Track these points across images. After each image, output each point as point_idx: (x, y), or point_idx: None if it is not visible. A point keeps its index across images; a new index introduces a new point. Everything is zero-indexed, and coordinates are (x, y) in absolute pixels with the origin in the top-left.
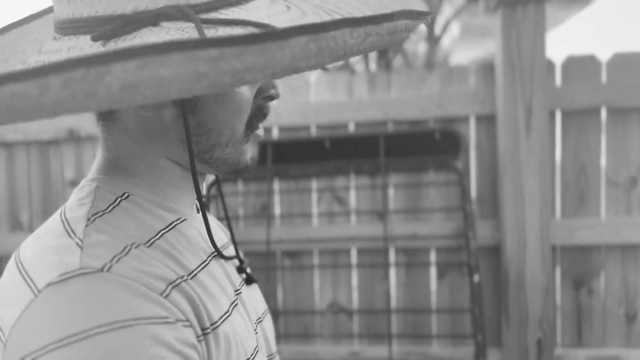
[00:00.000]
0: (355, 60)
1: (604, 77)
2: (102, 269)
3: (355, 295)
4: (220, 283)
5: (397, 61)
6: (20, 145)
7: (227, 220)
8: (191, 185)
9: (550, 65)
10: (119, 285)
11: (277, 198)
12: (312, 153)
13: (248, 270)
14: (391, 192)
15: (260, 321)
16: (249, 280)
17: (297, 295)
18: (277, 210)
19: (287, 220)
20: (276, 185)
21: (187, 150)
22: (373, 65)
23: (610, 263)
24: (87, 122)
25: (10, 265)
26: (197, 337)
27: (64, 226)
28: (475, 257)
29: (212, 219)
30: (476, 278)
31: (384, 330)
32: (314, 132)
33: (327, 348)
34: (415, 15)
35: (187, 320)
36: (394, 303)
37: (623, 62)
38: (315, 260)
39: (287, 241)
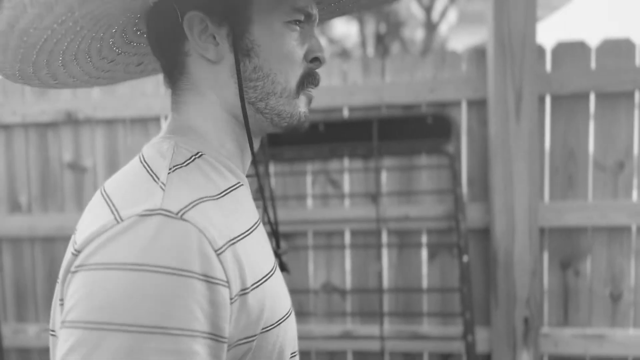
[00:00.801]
0: (353, 47)
1: (593, 63)
2: (177, 213)
3: (348, 276)
4: (264, 247)
5: (395, 47)
6: (19, 128)
7: (262, 194)
8: (248, 148)
9: (540, 51)
10: (188, 232)
11: (272, 180)
12: (307, 137)
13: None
14: (384, 175)
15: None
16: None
17: (292, 275)
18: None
19: (282, 203)
20: (271, 167)
21: (245, 100)
22: (371, 51)
23: (596, 245)
24: (85, 105)
25: (96, 196)
26: (234, 296)
27: (148, 172)
28: (465, 239)
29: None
30: (465, 259)
31: (376, 310)
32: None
33: (321, 327)
34: None
35: (227, 282)
36: (386, 283)
37: (612, 48)
38: (310, 241)
39: (282, 223)
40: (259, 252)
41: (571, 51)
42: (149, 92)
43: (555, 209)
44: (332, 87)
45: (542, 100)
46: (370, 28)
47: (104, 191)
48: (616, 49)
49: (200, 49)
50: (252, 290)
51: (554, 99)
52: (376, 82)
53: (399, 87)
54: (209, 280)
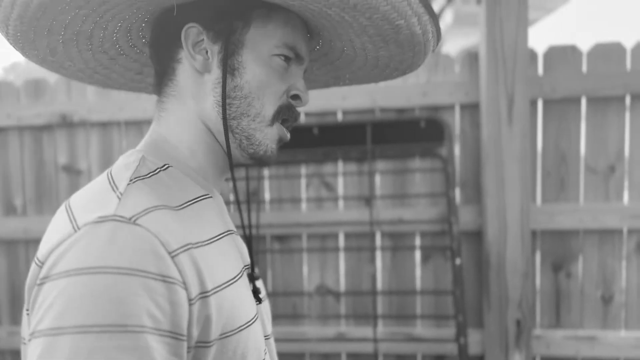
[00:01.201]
0: None
1: (584, 67)
2: (130, 219)
3: (342, 278)
4: (229, 255)
5: None
6: (14, 130)
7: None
8: (220, 162)
9: (532, 55)
10: (140, 236)
11: (266, 183)
12: (301, 140)
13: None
14: (378, 178)
15: (259, 303)
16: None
17: (286, 278)
18: (266, 195)
19: (276, 205)
20: (266, 170)
21: (219, 115)
22: None
23: (588, 247)
24: (80, 107)
25: (61, 209)
26: (192, 297)
27: (110, 182)
28: (458, 242)
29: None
30: (457, 261)
31: (369, 312)
32: (303, 119)
33: (315, 329)
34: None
35: (184, 283)
36: (379, 285)
37: (603, 53)
38: (304, 244)
39: (277, 225)
40: (220, 260)
41: (563, 55)
42: (144, 95)
43: (547, 211)
44: (326, 90)
45: (534, 104)
46: None
47: (68, 204)
48: (607, 53)
49: (191, 57)
50: (212, 294)
51: (546, 102)
52: (370, 86)
53: (392, 90)
54: (165, 279)
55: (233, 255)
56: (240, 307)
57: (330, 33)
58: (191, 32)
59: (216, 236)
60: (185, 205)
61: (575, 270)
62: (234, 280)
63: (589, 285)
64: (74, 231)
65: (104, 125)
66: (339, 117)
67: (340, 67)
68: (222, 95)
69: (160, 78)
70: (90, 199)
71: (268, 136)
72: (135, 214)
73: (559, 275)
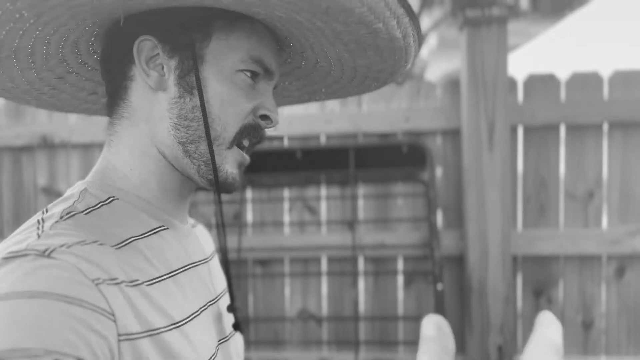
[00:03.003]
0: None
1: (563, 96)
2: (43, 252)
3: (324, 303)
4: (185, 293)
5: None
6: None
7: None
8: (178, 189)
9: (512, 83)
10: (51, 266)
11: (249, 207)
12: (284, 163)
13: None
14: (360, 202)
15: (226, 340)
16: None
17: (268, 303)
18: (249, 218)
19: (258, 229)
20: (248, 193)
21: (175, 139)
22: None
23: (568, 273)
24: (61, 129)
25: None
26: (122, 334)
27: (39, 218)
28: (440, 266)
29: (201, 229)
30: (439, 287)
31: (352, 337)
32: (286, 142)
33: (297, 354)
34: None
35: (113, 314)
36: (362, 310)
37: (581, 82)
38: (286, 268)
39: (259, 249)
40: (168, 300)
41: (542, 83)
42: None
43: (527, 236)
44: (310, 114)
45: (514, 130)
46: None
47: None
48: (585, 82)
49: (144, 73)
50: (149, 336)
51: (526, 129)
52: (353, 111)
53: (375, 116)
54: (81, 304)
55: (190, 292)
56: (189, 352)
57: (301, 43)
58: (144, 45)
59: (166, 274)
60: (127, 242)
61: (555, 295)
62: (185, 321)
63: (570, 310)
64: None
65: (86, 147)
66: (322, 141)
67: (314, 80)
68: (204, 115)
69: (112, 97)
70: (17, 233)
71: (227, 160)
72: (51, 249)
73: (540, 301)
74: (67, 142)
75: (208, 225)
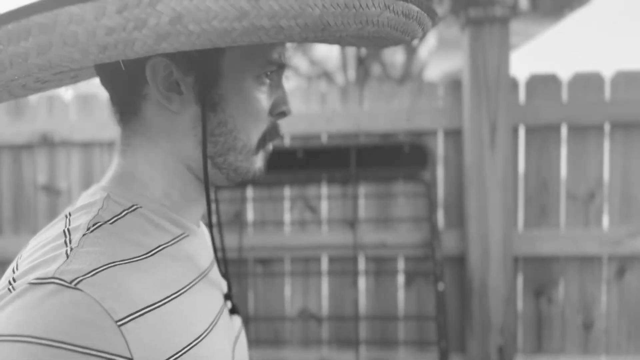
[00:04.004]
0: (334, 69)
1: (565, 96)
2: (70, 282)
3: (325, 302)
4: (204, 304)
5: (376, 70)
6: None
7: (217, 229)
8: (201, 198)
9: (514, 83)
10: (78, 302)
11: (250, 205)
12: (286, 162)
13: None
14: (361, 201)
15: (237, 341)
16: (232, 310)
17: (268, 302)
18: (250, 217)
19: (259, 228)
20: (249, 192)
21: (202, 153)
22: (352, 73)
23: (569, 273)
24: (61, 127)
25: (17, 257)
26: None
27: (65, 229)
28: (440, 266)
29: (204, 231)
30: (440, 287)
31: (352, 337)
32: (287, 142)
33: (297, 354)
34: (425, 7)
35: (131, 359)
36: (362, 310)
37: (583, 82)
38: (287, 267)
39: (260, 248)
40: (188, 316)
41: (544, 84)
42: None
43: (528, 237)
44: (311, 113)
45: (515, 130)
46: (351, 50)
47: (21, 254)
48: (586, 82)
49: (163, 98)
50: (190, 349)
51: (528, 129)
52: (354, 110)
53: (376, 115)
54: (99, 355)
55: (209, 299)
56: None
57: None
58: (158, 66)
59: (189, 284)
60: (154, 252)
61: (556, 296)
62: (206, 333)
63: (570, 311)
64: (8, 292)
65: (86, 145)
66: (324, 140)
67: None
68: (203, 137)
69: (121, 109)
70: (37, 252)
71: (255, 163)
72: (79, 276)
73: (541, 301)
74: (68, 140)
75: (208, 225)
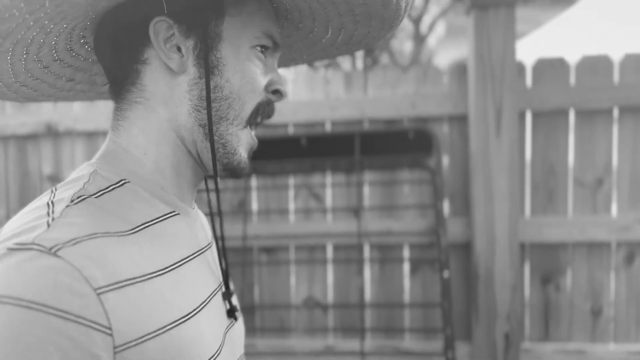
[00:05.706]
0: (342, 59)
1: (572, 80)
2: (50, 249)
3: (330, 290)
4: (195, 282)
5: (384, 59)
6: None
7: (216, 215)
8: (193, 177)
9: (520, 68)
10: (54, 269)
11: (254, 194)
12: (289, 150)
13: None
14: (366, 189)
15: (231, 327)
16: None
17: (273, 290)
18: (254, 206)
19: (264, 217)
20: (253, 181)
21: (196, 121)
22: (360, 62)
23: (576, 260)
24: (66, 117)
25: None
26: (121, 344)
27: (49, 200)
28: (446, 254)
29: (200, 215)
30: (446, 274)
31: (357, 325)
32: (291, 129)
33: (302, 342)
34: None
35: (110, 328)
36: (367, 298)
37: (591, 66)
38: (292, 255)
39: (264, 237)
40: (176, 293)
41: (551, 68)
42: None
43: (535, 224)
44: (315, 101)
45: (522, 116)
46: None
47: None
48: (595, 66)
49: (165, 56)
50: (155, 336)
51: (535, 114)
52: (358, 97)
53: (381, 102)
54: (77, 320)
55: (200, 279)
56: (198, 343)
57: (302, 14)
58: (160, 27)
59: (177, 262)
60: (140, 228)
61: (564, 283)
62: (194, 312)
63: (578, 298)
64: None
65: (90, 135)
66: (328, 127)
67: (300, 48)
68: (207, 97)
69: (119, 83)
70: (21, 220)
71: (242, 142)
72: (58, 244)
73: (548, 288)
74: (72, 130)
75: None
